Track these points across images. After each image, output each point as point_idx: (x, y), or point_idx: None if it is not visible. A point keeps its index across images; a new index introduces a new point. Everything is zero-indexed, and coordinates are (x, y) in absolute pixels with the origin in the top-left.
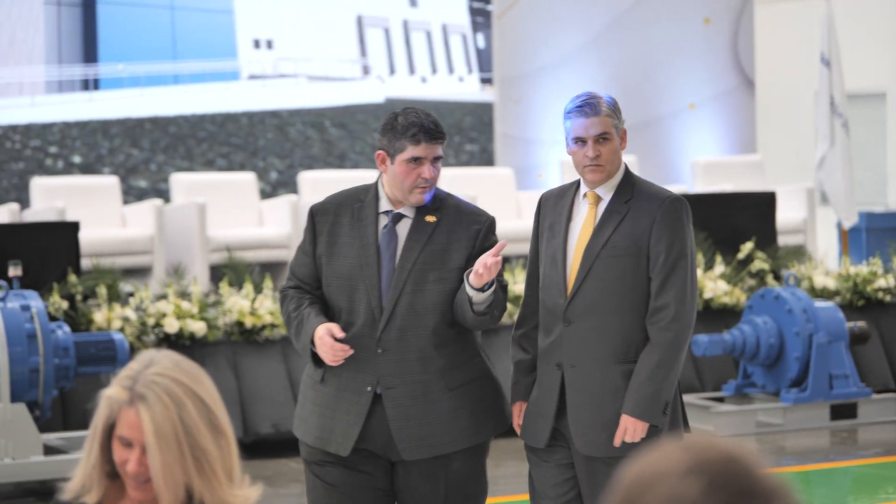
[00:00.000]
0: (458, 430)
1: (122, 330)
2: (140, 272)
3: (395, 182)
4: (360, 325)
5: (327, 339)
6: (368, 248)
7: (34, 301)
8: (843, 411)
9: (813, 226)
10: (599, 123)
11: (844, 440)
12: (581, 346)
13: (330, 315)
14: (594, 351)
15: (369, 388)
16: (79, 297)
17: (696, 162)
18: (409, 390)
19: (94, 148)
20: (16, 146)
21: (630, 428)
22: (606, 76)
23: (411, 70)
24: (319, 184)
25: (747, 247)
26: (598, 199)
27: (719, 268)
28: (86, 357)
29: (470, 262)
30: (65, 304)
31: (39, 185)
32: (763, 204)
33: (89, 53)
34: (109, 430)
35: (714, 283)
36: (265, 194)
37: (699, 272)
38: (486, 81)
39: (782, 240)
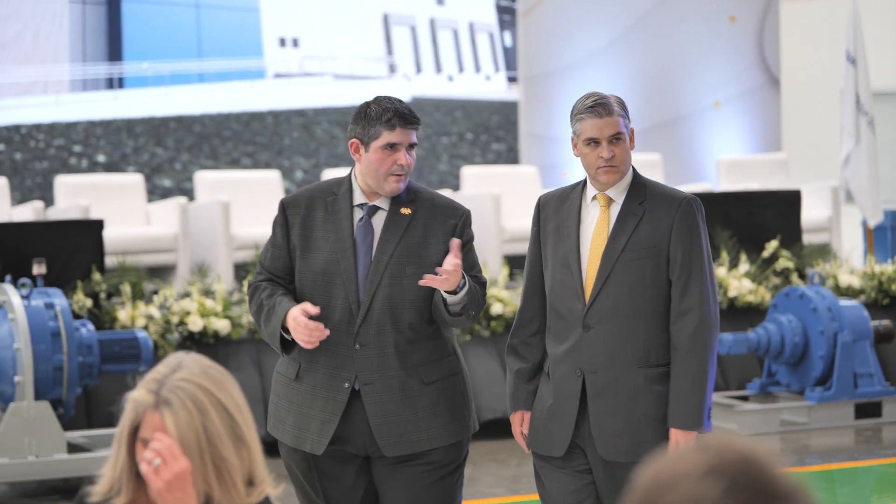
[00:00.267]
0: (438, 427)
1: (145, 328)
2: (164, 270)
3: (370, 170)
4: (337, 320)
5: (301, 318)
6: (344, 241)
7: (58, 299)
8: (868, 410)
9: (838, 224)
10: (613, 124)
11: (869, 439)
12: (602, 351)
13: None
14: (616, 356)
15: (346, 385)
16: (103, 295)
17: (720, 160)
18: (388, 386)
19: (119, 147)
20: (40, 145)
21: (682, 441)
22: (631, 74)
23: (438, 68)
24: None
25: (772, 245)
26: (610, 201)
27: (744, 266)
28: (110, 355)
29: (446, 256)
30: (89, 302)
31: (64, 184)
32: (788, 202)
33: (114, 52)
34: (135, 432)
35: (739, 282)
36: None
37: (724, 270)
38: (512, 80)
39: (807, 238)
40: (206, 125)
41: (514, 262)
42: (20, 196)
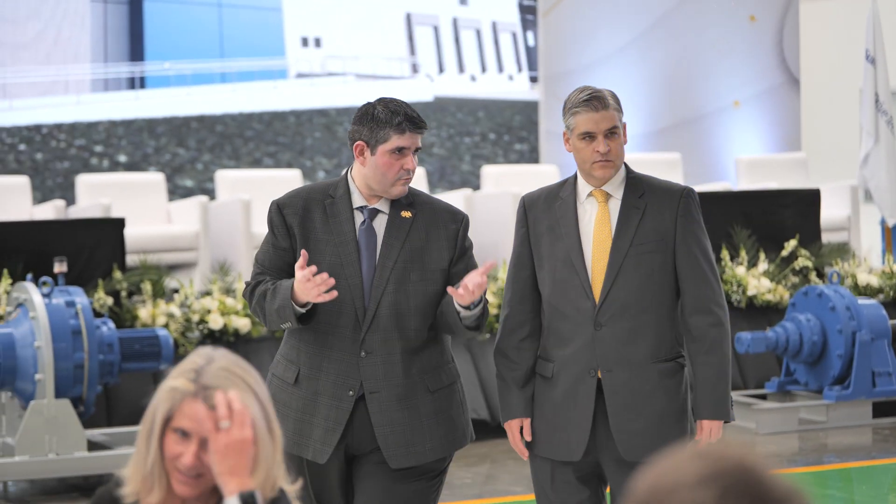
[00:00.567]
0: (440, 437)
1: (166, 326)
2: (185, 268)
3: (376, 174)
4: (342, 326)
5: (298, 273)
6: (348, 245)
7: (79, 297)
8: (886, 409)
9: (857, 223)
10: (609, 118)
11: (886, 437)
12: (617, 349)
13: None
14: (631, 353)
15: (351, 393)
16: (124, 294)
17: (739, 159)
18: (394, 394)
19: (140, 147)
20: (61, 145)
21: (714, 432)
22: (651, 73)
23: (461, 68)
24: None
25: (791, 244)
26: (608, 196)
27: (763, 265)
28: (130, 353)
29: (452, 263)
30: (110, 301)
31: (85, 182)
32: (807, 201)
33: (135, 51)
34: (165, 425)
35: (758, 281)
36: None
37: (742, 269)
38: (536, 80)
39: (826, 237)
40: (228, 125)
41: None
42: (41, 196)
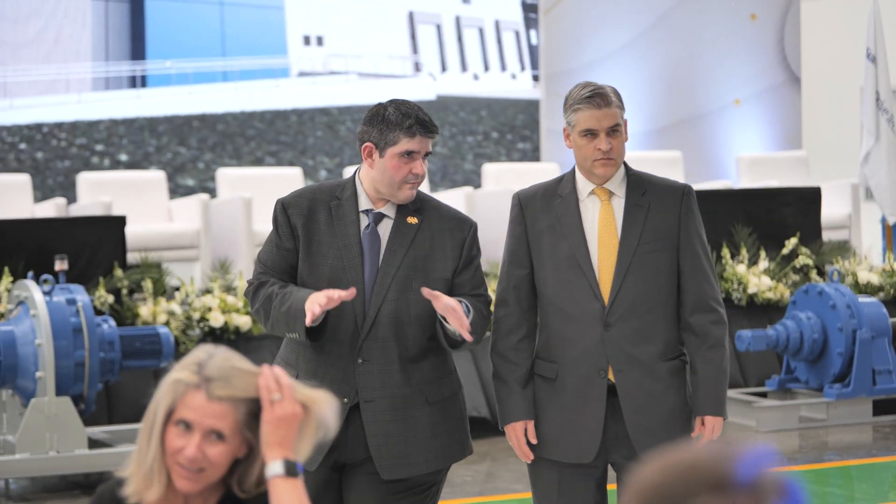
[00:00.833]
0: (436, 450)
1: (167, 324)
2: (186, 266)
3: (384, 177)
4: (341, 331)
5: (328, 291)
6: (351, 248)
7: (80, 295)
8: (886, 407)
9: (857, 221)
10: (612, 115)
11: (887, 435)
12: (627, 348)
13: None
14: (641, 352)
15: (346, 400)
16: (125, 292)
17: (741, 157)
18: (390, 404)
19: (141, 146)
20: (62, 144)
21: (716, 428)
22: (652, 72)
23: (463, 67)
24: None
25: (791, 242)
26: (610, 194)
27: (763, 263)
28: (131, 351)
29: (456, 273)
30: (110, 299)
31: (86, 180)
32: (807, 199)
33: (137, 50)
34: (167, 419)
35: (758, 279)
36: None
37: (743, 267)
38: (538, 79)
39: (826, 235)
40: (230, 124)
41: None
42: (41, 195)
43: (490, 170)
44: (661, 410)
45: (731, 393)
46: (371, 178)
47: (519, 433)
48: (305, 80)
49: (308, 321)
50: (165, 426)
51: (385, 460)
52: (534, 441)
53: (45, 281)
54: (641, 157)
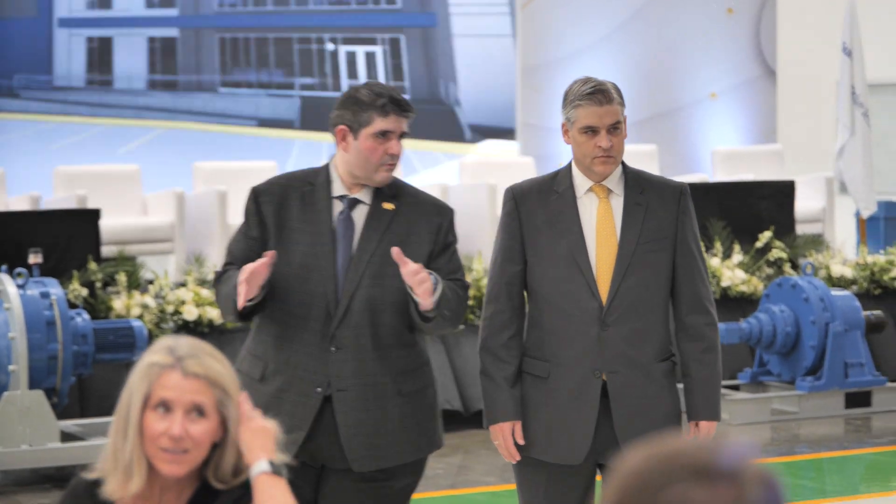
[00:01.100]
0: (406, 443)
1: (140, 317)
2: (160, 260)
3: (359, 159)
4: (313, 319)
5: (250, 265)
6: (323, 235)
7: (54, 288)
8: (858, 399)
9: (831, 215)
10: (613, 112)
11: (858, 428)
12: (624, 349)
13: (278, 305)
14: (637, 353)
15: (319, 390)
16: (98, 285)
17: (716, 151)
18: (362, 393)
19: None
20: None
21: (711, 432)
22: (629, 65)
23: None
24: None
25: (765, 236)
26: (608, 192)
27: (737, 256)
28: (104, 344)
29: (431, 258)
30: (84, 292)
31: (61, 173)
32: (782, 193)
33: None
34: (144, 406)
35: (732, 272)
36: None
37: (717, 261)
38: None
39: (801, 228)
40: None
41: None
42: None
43: (466, 163)
44: (655, 414)
45: None
46: (346, 162)
47: (506, 433)
48: None
49: (240, 304)
50: (143, 414)
51: (357, 451)
52: (521, 442)
53: (19, 274)
54: None
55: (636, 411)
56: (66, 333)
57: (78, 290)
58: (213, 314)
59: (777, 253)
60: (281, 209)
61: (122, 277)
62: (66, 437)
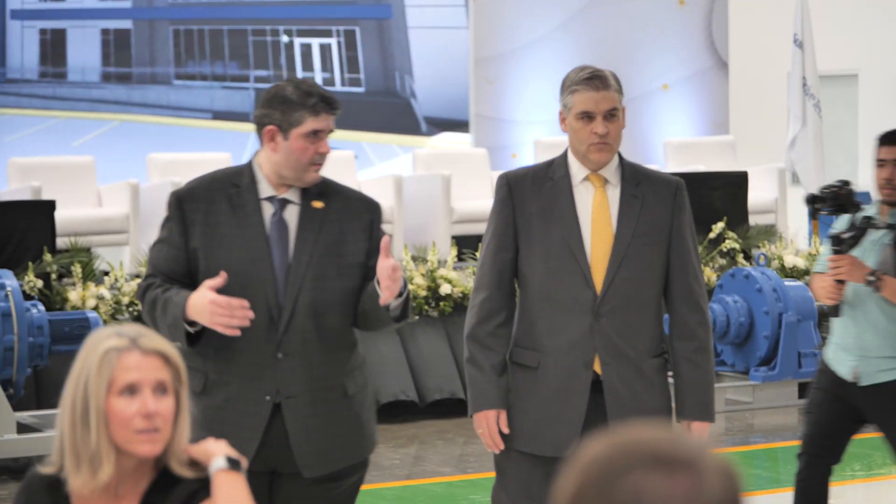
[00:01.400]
0: (354, 444)
1: (96, 309)
2: (115, 251)
3: (290, 160)
4: (256, 326)
5: (220, 298)
6: (257, 239)
7: (9, 280)
8: None
9: (784, 206)
10: (610, 98)
11: None
12: (616, 341)
13: None
14: (630, 346)
15: (268, 398)
16: (54, 276)
17: (668, 142)
18: (311, 398)
19: None
20: None
21: (704, 433)
22: (581, 56)
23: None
24: None
25: (718, 226)
26: (605, 181)
27: None
28: (60, 335)
29: (368, 256)
30: (40, 283)
31: (15, 165)
32: (735, 184)
33: None
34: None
35: None
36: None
37: None
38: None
39: (753, 219)
40: None
41: (462, 243)
42: None
43: (420, 154)
44: (646, 410)
45: None
46: (274, 163)
47: (491, 421)
48: None
49: (231, 333)
50: (107, 401)
51: (307, 458)
52: (505, 430)
53: None
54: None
55: (627, 406)
56: (21, 325)
57: (33, 281)
58: None
59: (730, 244)
60: (208, 215)
61: (77, 269)
62: (23, 428)
